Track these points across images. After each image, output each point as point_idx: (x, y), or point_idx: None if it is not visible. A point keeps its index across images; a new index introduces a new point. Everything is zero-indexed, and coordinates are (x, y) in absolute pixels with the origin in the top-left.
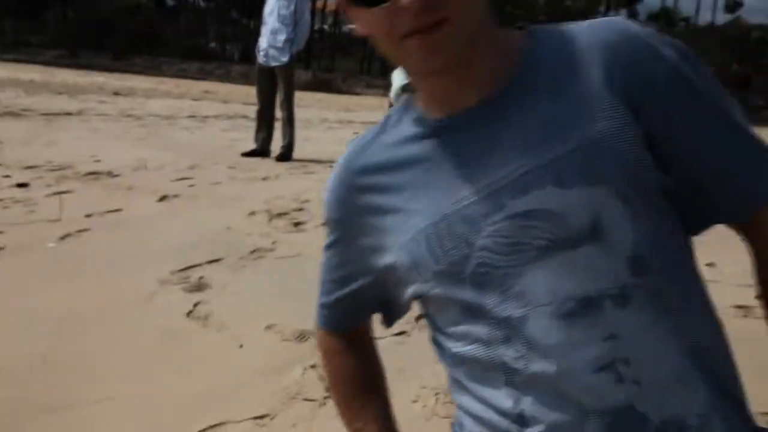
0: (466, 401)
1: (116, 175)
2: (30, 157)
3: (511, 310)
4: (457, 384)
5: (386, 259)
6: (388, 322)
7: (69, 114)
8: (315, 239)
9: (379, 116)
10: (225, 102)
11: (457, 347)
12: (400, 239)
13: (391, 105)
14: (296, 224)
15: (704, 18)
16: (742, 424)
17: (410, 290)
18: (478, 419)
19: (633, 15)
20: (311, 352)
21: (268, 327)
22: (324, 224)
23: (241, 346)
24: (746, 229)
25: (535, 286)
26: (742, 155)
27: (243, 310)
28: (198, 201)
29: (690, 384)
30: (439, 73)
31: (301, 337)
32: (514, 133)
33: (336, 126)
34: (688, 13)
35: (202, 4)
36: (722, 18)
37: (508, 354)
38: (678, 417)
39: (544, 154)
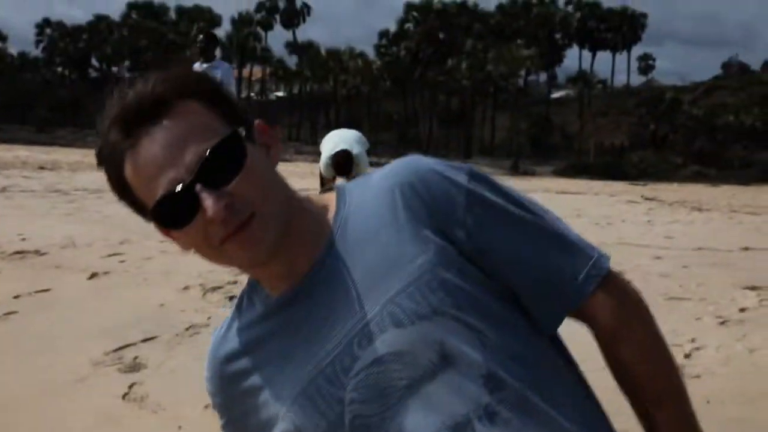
0: None
1: (44, 254)
2: None
3: None
4: None
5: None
6: None
7: None
8: None
9: (308, 183)
10: None
11: None
12: (279, 411)
13: (321, 174)
14: (231, 298)
15: (619, 79)
16: None
17: None
18: None
19: (552, 78)
20: None
21: (207, 406)
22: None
23: (179, 427)
24: (581, 318)
25: (408, 424)
26: (554, 257)
27: (180, 390)
28: (129, 278)
29: None
30: (264, 262)
31: None
32: (347, 288)
33: None
34: (604, 75)
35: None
36: (636, 80)
37: None
38: None
39: (378, 300)
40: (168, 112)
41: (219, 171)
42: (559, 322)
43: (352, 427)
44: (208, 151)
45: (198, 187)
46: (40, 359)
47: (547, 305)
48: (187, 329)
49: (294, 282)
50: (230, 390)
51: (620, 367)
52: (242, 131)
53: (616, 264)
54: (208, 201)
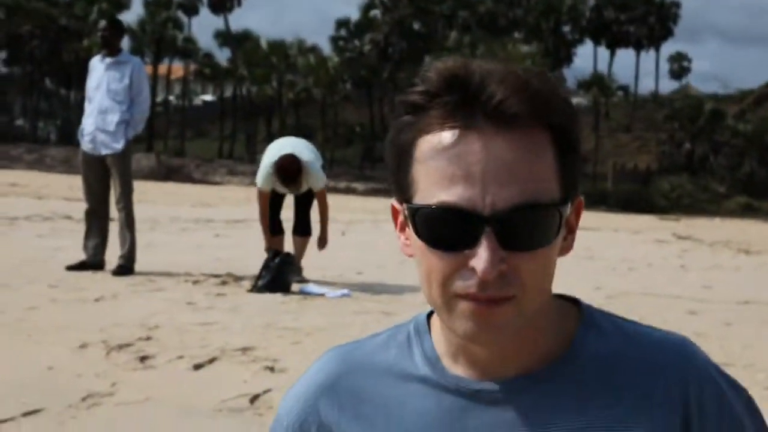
0: None
1: None
2: None
3: None
4: None
5: None
6: None
7: None
8: (170, 378)
9: (245, 211)
10: (39, 198)
11: None
12: None
13: (260, 193)
14: (143, 359)
15: (645, 86)
16: None
17: None
18: None
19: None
20: None
21: None
22: None
23: None
24: None
25: None
26: None
27: None
28: (8, 334)
29: None
30: (484, 343)
31: None
32: (559, 423)
33: (191, 227)
34: (626, 80)
35: (2, 69)
36: (668, 86)
37: None
38: None
39: None
40: (517, 128)
41: (522, 233)
42: None
43: None
44: (528, 205)
45: (488, 230)
46: None
47: None
48: (83, 399)
49: (488, 376)
50: (326, 411)
51: None
52: (566, 210)
53: (639, 319)
54: (486, 255)
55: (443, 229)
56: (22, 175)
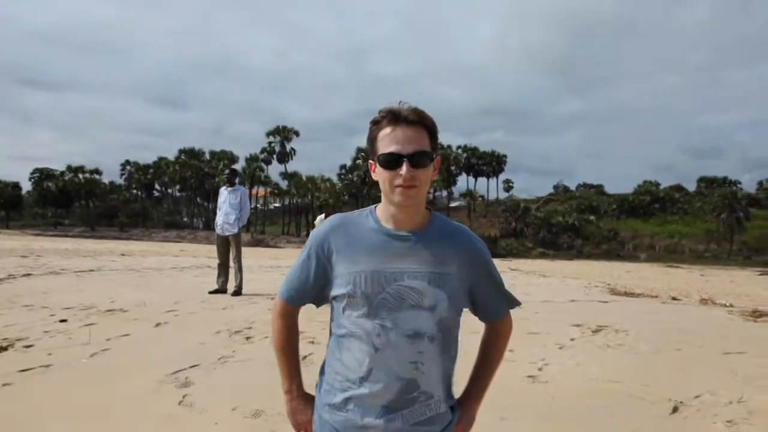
0: (336, 357)
1: (125, 311)
2: (67, 301)
3: (389, 323)
4: (335, 343)
5: (335, 275)
6: (318, 305)
7: (92, 270)
8: (261, 348)
9: (292, 262)
10: (194, 257)
11: (351, 327)
12: (348, 269)
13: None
14: (247, 338)
15: (492, 195)
16: (451, 398)
17: (341, 291)
18: (338, 368)
19: (450, 194)
20: (264, 425)
21: (234, 408)
22: (307, 246)
23: (216, 423)
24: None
25: (401, 318)
26: (499, 293)
27: (216, 399)
28: (181, 325)
29: (442, 384)
30: (403, 207)
31: (257, 414)
32: (421, 253)
33: (268, 270)
34: (483, 192)
35: (177, 194)
36: (502, 195)
37: (377, 341)
38: (433, 391)
39: (429, 268)
40: (415, 126)
41: (418, 161)
42: (490, 319)
43: (380, 300)
44: (420, 150)
45: (406, 160)
46: (126, 379)
47: (489, 311)
48: (219, 359)
49: (400, 229)
50: (326, 239)
51: (486, 350)
52: (434, 156)
53: None
54: (407, 169)
55: (389, 161)
56: (186, 246)
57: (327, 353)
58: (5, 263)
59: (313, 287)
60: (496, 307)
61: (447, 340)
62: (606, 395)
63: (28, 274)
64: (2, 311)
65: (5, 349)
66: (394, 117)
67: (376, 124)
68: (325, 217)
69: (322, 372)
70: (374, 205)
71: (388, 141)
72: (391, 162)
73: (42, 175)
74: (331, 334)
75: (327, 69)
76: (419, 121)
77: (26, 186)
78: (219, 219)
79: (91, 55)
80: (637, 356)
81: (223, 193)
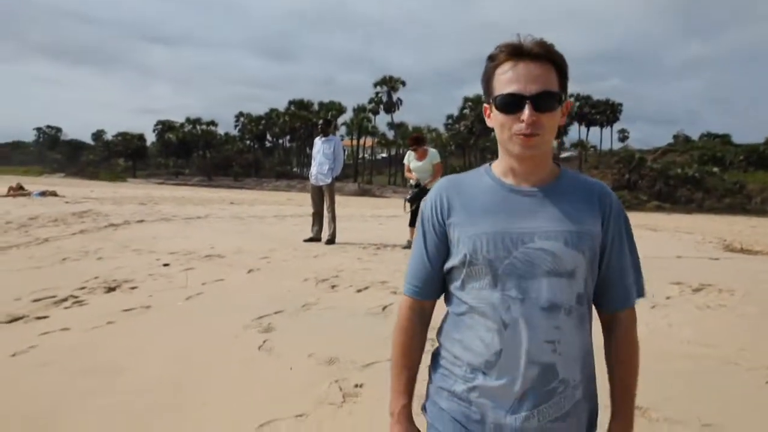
0: (455, 338)
1: (223, 257)
2: (172, 246)
3: (518, 293)
4: (453, 323)
5: (452, 242)
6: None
7: (200, 217)
8: (345, 297)
9: (399, 212)
10: (300, 206)
11: (473, 301)
12: (466, 233)
13: (406, 205)
14: (333, 287)
15: (605, 146)
16: (593, 389)
17: (459, 259)
18: (459, 352)
19: (561, 144)
20: (336, 372)
21: (310, 355)
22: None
23: (291, 368)
24: (611, 317)
25: (533, 287)
26: (634, 269)
27: (295, 344)
28: (272, 272)
29: (580, 365)
30: (524, 159)
31: (331, 361)
32: (552, 209)
33: (369, 219)
34: (595, 142)
35: (287, 144)
36: (617, 145)
37: (506, 315)
38: (570, 377)
39: (563, 227)
40: (541, 62)
41: (543, 103)
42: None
43: (507, 266)
44: (546, 90)
45: (529, 102)
46: (214, 322)
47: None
48: (303, 306)
49: (524, 183)
50: (447, 202)
51: (616, 362)
52: (563, 98)
53: None
54: (529, 112)
55: (508, 103)
56: (294, 195)
57: (441, 337)
58: (124, 210)
59: (439, 267)
60: (625, 288)
61: (585, 311)
62: (696, 359)
63: (142, 221)
64: (115, 255)
65: (113, 289)
66: (514, 51)
67: (492, 60)
68: (414, 150)
69: (434, 359)
70: (488, 163)
71: (508, 79)
72: (511, 104)
73: (164, 127)
74: (445, 318)
75: (432, 16)
76: (545, 55)
77: (150, 137)
78: (313, 169)
79: (207, 10)
80: (739, 319)
81: (317, 143)
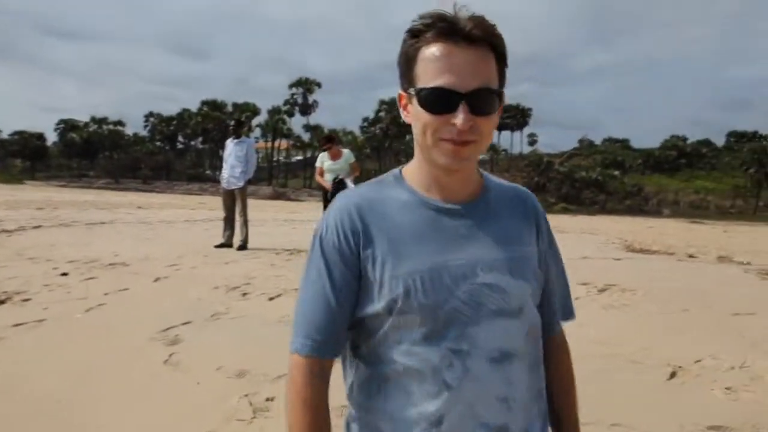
0: (379, 409)
1: (127, 265)
2: (72, 254)
3: (462, 345)
4: (373, 389)
5: (370, 282)
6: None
7: (104, 223)
8: (256, 305)
9: (315, 215)
10: (212, 210)
11: (403, 359)
12: (392, 272)
13: (326, 199)
14: (244, 294)
15: (516, 149)
16: (544, 409)
17: (383, 306)
18: (389, 420)
19: None
20: (246, 386)
21: (218, 368)
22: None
23: (198, 383)
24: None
25: (481, 335)
26: (565, 283)
27: (202, 357)
28: (180, 281)
29: (535, 410)
30: (453, 171)
31: (241, 374)
32: (488, 231)
33: (283, 224)
34: (506, 146)
35: (200, 146)
36: (526, 149)
37: (448, 375)
38: (525, 428)
39: (505, 253)
40: (480, 47)
41: (483, 104)
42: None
43: (448, 312)
44: (486, 87)
45: (464, 102)
46: (115, 335)
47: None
48: (212, 315)
49: (449, 199)
50: (354, 219)
51: (555, 367)
52: (503, 96)
53: None
54: (463, 115)
55: (437, 101)
56: (206, 199)
57: (353, 406)
58: (20, 215)
59: (348, 313)
60: (561, 305)
61: (536, 352)
62: (603, 359)
63: (39, 226)
64: (7, 263)
65: (3, 302)
66: (448, 30)
67: (415, 37)
68: (325, 148)
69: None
70: (396, 170)
71: (437, 69)
72: (441, 102)
73: (67, 126)
74: (357, 381)
75: (347, 18)
76: (485, 39)
77: (52, 137)
78: (224, 172)
79: (115, 2)
80: (640, 317)
81: (229, 145)
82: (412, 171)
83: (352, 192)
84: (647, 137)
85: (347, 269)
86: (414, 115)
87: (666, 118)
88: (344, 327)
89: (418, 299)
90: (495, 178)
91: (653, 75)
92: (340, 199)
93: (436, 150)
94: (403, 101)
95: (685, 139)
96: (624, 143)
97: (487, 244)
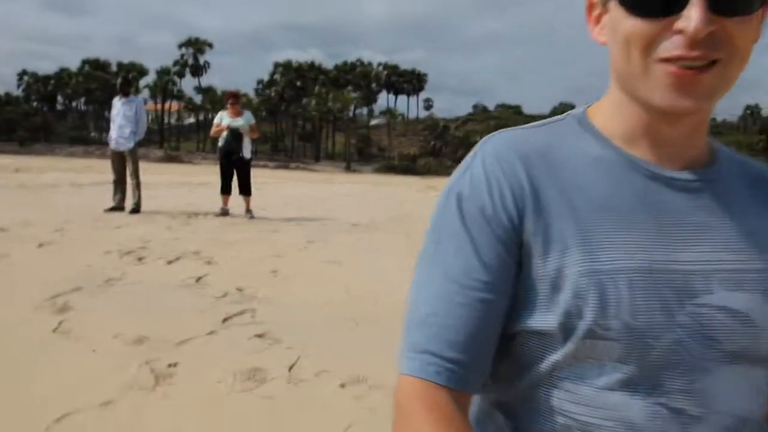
0: None
1: (6, 230)
2: None
3: (688, 405)
4: None
5: (554, 273)
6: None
7: None
8: (153, 269)
9: (212, 179)
10: (100, 173)
11: (583, 413)
12: (581, 265)
13: (214, 125)
14: (139, 259)
15: (412, 113)
16: None
17: (560, 320)
18: None
19: (370, 111)
20: (147, 352)
21: (116, 336)
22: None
23: (93, 350)
24: None
25: (717, 390)
26: None
27: (96, 325)
28: (68, 246)
29: None
30: (677, 116)
31: (140, 341)
32: (729, 224)
33: (175, 186)
34: (403, 110)
35: (82, 107)
36: (422, 114)
37: None
38: None
39: (756, 261)
40: None
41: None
42: None
43: (666, 349)
44: None
45: None
46: None
47: None
48: (106, 281)
49: (678, 164)
50: (521, 176)
51: None
52: None
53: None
54: (698, 13)
55: None
56: (93, 162)
57: None
58: None
59: (499, 318)
60: None
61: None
62: None
63: None
64: None
65: None
66: None
67: None
68: (232, 103)
69: None
70: (580, 109)
71: None
72: None
73: None
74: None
75: None
76: None
77: None
78: (113, 133)
79: None
80: None
81: (117, 104)
82: (606, 113)
83: (512, 133)
84: (539, 104)
85: (504, 249)
86: (612, 26)
87: (555, 86)
88: (494, 342)
89: (622, 318)
90: (729, 150)
91: (545, 44)
92: (491, 143)
93: (651, 79)
94: (594, 11)
95: (573, 106)
96: (516, 109)
97: (728, 242)
